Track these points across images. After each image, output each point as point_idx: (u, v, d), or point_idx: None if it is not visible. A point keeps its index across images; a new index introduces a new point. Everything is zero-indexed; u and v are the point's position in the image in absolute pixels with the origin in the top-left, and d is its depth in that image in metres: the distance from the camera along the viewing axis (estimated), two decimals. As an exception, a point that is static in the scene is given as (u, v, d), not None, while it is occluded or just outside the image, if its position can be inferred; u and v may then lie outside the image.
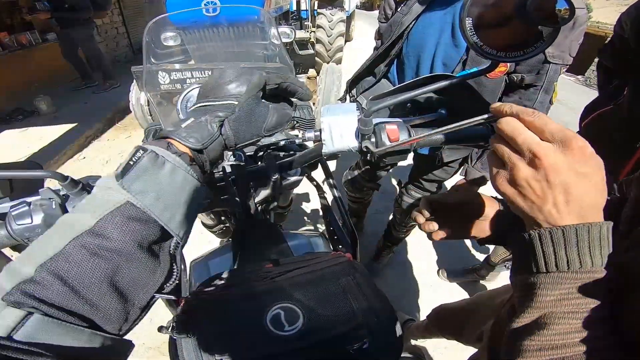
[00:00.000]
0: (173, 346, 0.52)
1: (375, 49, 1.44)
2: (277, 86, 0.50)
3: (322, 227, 2.33)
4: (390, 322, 0.55)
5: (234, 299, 0.55)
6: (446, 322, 1.26)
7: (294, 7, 4.78)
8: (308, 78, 3.47)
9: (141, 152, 0.39)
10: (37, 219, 0.53)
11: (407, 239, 2.12)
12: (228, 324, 0.52)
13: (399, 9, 1.26)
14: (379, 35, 1.43)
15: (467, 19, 0.37)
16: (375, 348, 0.52)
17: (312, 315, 0.53)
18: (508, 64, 1.07)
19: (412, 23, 1.21)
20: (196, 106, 0.48)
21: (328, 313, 0.54)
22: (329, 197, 1.00)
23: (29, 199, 0.56)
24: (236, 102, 0.46)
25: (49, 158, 3.28)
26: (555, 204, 0.34)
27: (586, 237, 0.33)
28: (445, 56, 1.20)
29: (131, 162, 0.38)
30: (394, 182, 2.45)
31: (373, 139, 0.54)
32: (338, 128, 0.55)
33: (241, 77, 0.48)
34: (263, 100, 0.50)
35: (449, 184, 1.75)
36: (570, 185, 0.33)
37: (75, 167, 3.32)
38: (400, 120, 0.56)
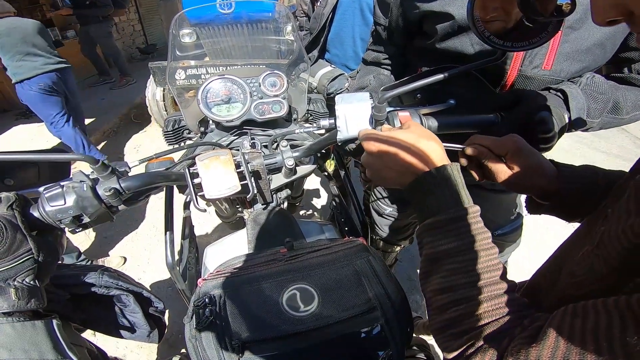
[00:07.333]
0: (193, 338, 0.52)
1: (300, 39, 1.76)
2: None
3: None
4: (403, 308, 0.56)
5: (251, 280, 0.56)
6: None
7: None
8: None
9: None
10: (70, 200, 0.53)
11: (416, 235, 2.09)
12: (245, 304, 0.53)
13: (317, 3, 1.62)
14: (299, 28, 1.81)
15: (475, 11, 0.38)
16: (388, 332, 0.52)
17: (327, 296, 0.53)
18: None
19: (330, 14, 1.55)
20: None
21: (343, 295, 0.54)
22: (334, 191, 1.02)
23: (61, 182, 0.56)
24: None
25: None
26: None
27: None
28: (362, 33, 1.56)
29: None
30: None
31: (386, 125, 0.56)
32: (353, 115, 0.57)
33: None
34: None
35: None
36: None
37: (93, 161, 3.41)
38: (412, 108, 0.57)
